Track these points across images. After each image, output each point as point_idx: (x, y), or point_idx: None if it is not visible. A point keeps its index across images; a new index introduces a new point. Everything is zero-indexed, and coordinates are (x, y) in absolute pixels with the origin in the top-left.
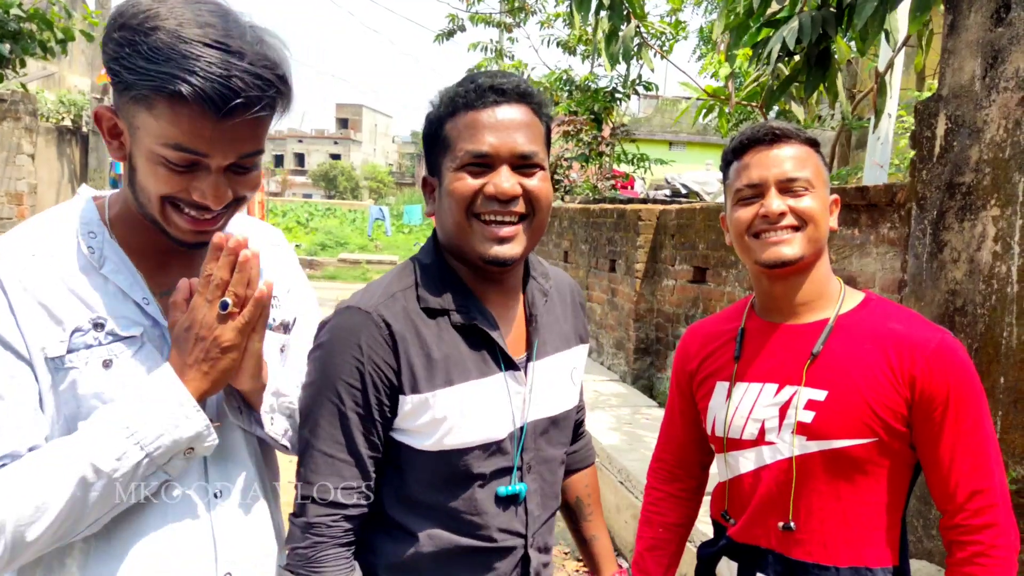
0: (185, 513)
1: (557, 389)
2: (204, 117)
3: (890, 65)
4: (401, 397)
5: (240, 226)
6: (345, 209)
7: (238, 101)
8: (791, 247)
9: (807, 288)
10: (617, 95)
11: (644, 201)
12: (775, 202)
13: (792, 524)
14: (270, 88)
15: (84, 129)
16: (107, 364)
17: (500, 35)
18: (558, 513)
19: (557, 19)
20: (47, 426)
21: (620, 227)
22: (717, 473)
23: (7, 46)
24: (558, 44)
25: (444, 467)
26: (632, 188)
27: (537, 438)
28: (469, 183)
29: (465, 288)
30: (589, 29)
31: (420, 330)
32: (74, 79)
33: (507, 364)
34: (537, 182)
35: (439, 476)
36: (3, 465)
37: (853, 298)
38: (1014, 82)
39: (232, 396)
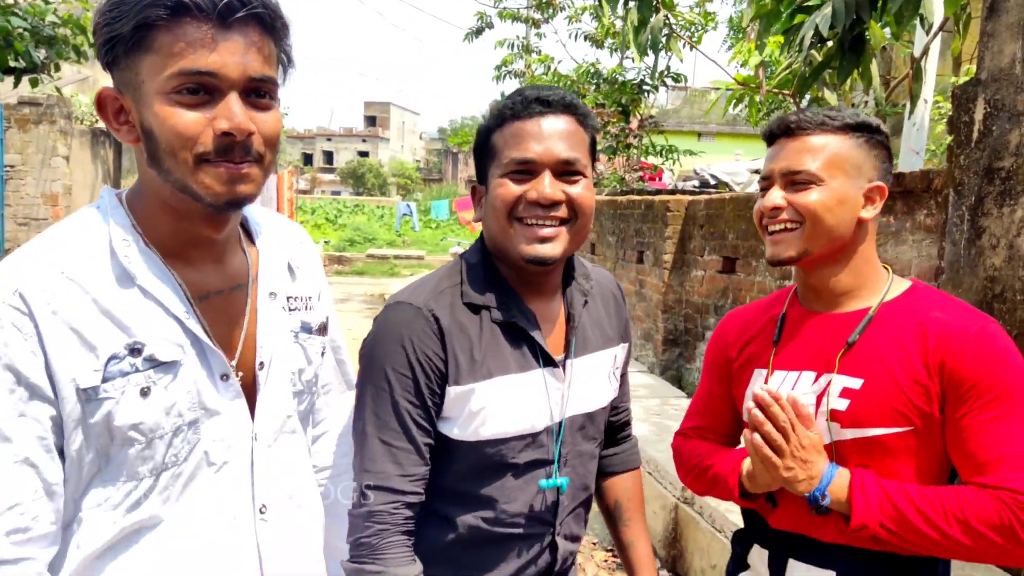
0: (230, 531)
1: (595, 386)
2: (204, 26)
3: (925, 50)
4: (447, 388)
5: (269, 223)
6: (373, 205)
7: (232, 1)
8: (785, 247)
9: (844, 279)
10: (645, 87)
11: (672, 192)
12: (770, 196)
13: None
14: (270, 7)
15: None
16: (145, 393)
17: (527, 31)
18: (594, 505)
19: (584, 12)
20: (60, 469)
21: (648, 218)
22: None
23: (42, 51)
24: (585, 38)
25: (481, 457)
26: (660, 179)
27: (574, 433)
28: (512, 189)
29: (507, 287)
30: (618, 22)
31: (464, 325)
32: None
33: (546, 361)
34: (580, 189)
35: (477, 466)
36: (9, 532)
37: (899, 287)
38: None
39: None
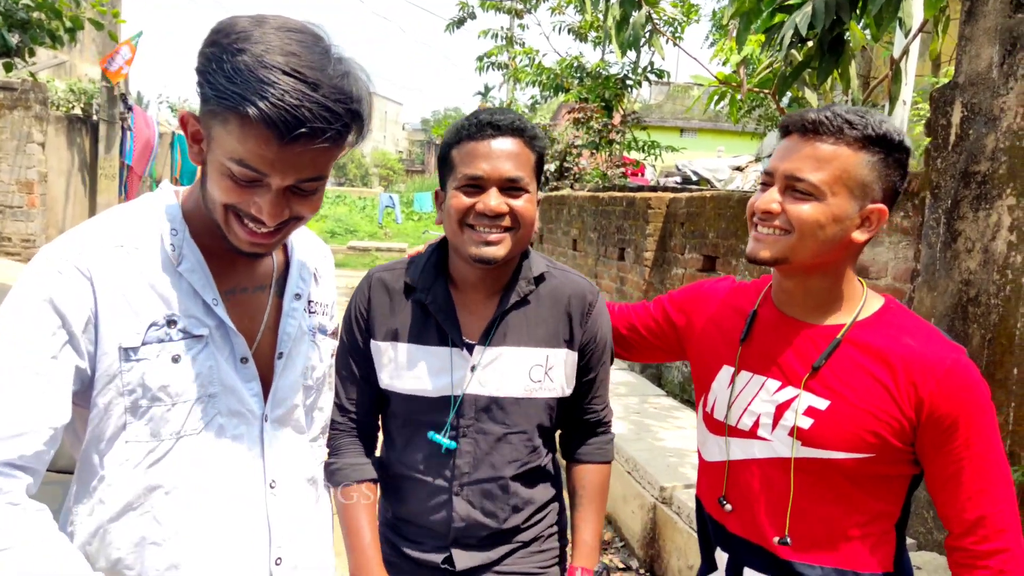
0: (242, 500)
1: (507, 376)
2: (268, 140)
3: (905, 51)
4: (370, 341)
5: (301, 235)
6: (355, 196)
7: (302, 130)
8: (765, 248)
9: (819, 291)
10: (628, 82)
11: (654, 188)
12: (766, 198)
13: (788, 539)
14: (337, 121)
15: (94, 118)
16: (176, 359)
17: (511, 22)
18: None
19: (568, 5)
20: (66, 415)
21: (629, 215)
22: (706, 455)
23: (15, 36)
24: (569, 31)
25: (397, 406)
26: (642, 175)
27: (477, 411)
28: (464, 200)
29: (442, 278)
30: (601, 16)
31: (393, 294)
32: (85, 68)
33: (456, 342)
34: (522, 203)
35: (394, 412)
36: (13, 463)
37: (872, 305)
38: None
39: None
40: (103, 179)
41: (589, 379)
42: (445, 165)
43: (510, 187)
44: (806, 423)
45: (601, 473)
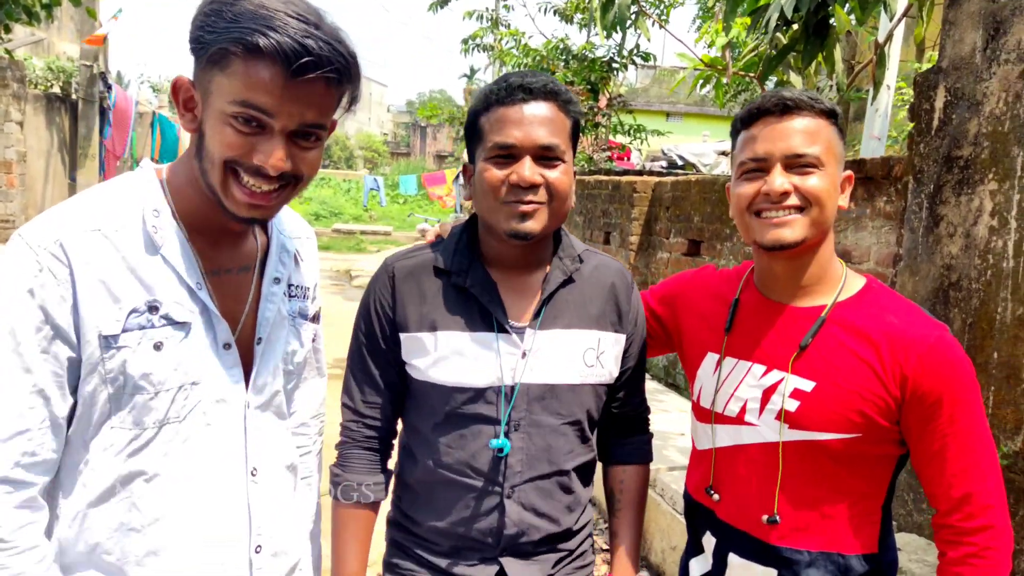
0: (223, 488)
1: (562, 361)
2: (276, 73)
3: (889, 36)
4: (399, 334)
5: (283, 216)
6: (340, 179)
7: (310, 58)
8: (792, 230)
9: (810, 271)
10: (614, 65)
11: (640, 173)
12: (779, 179)
13: (777, 517)
14: (341, 59)
15: (74, 97)
16: (158, 347)
17: (496, 3)
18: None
19: None
20: (67, 406)
21: (615, 199)
22: (697, 443)
23: None
24: (555, 12)
25: (435, 401)
26: (628, 159)
27: (531, 401)
28: (496, 173)
29: (475, 256)
30: None
31: (421, 283)
32: (63, 46)
33: (501, 327)
34: (558, 174)
35: (432, 409)
36: (18, 459)
37: (853, 284)
38: (1015, 54)
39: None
40: (83, 158)
41: (629, 368)
42: (473, 135)
43: (544, 156)
44: (793, 405)
45: (642, 475)
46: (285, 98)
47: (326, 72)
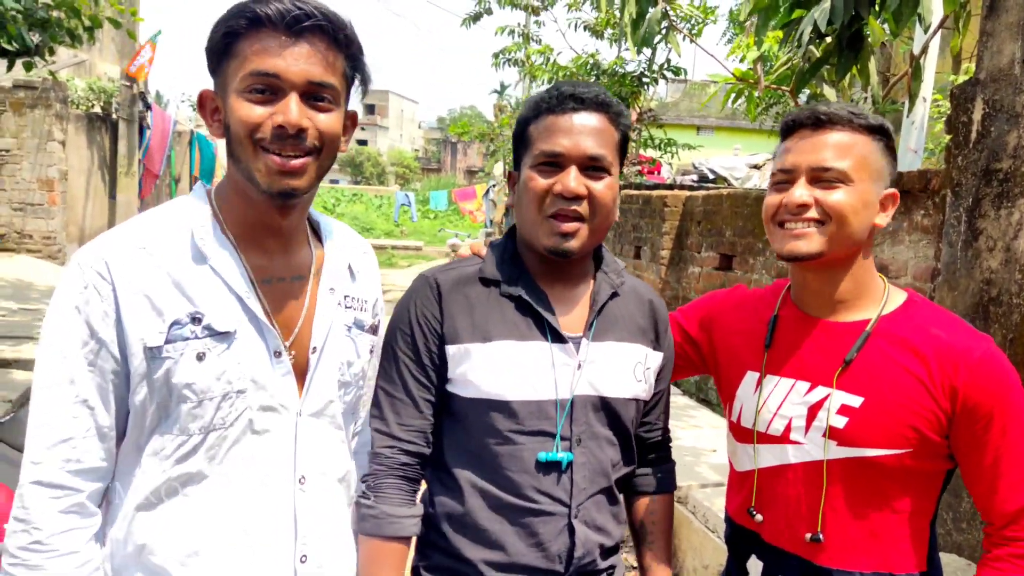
0: (269, 495)
1: (615, 373)
2: (277, 37)
3: (925, 48)
4: (446, 347)
5: (339, 230)
6: (371, 195)
7: (301, 12)
8: (807, 242)
9: (844, 285)
10: (644, 80)
11: (670, 187)
12: (798, 191)
13: (820, 536)
14: (335, 22)
15: (114, 116)
16: (200, 357)
17: (527, 18)
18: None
19: (585, 2)
20: (112, 416)
21: (646, 213)
22: (737, 465)
23: (35, 35)
24: (585, 28)
25: (487, 418)
26: (659, 173)
27: (588, 413)
28: (541, 182)
29: (522, 267)
30: (617, 12)
31: (468, 293)
32: (104, 67)
33: (556, 337)
34: (602, 187)
35: (484, 427)
36: (61, 470)
37: (896, 299)
38: None
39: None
40: (122, 177)
41: (661, 390)
42: (521, 143)
43: (591, 167)
44: (840, 422)
45: (669, 505)
46: (288, 56)
47: (319, 21)
